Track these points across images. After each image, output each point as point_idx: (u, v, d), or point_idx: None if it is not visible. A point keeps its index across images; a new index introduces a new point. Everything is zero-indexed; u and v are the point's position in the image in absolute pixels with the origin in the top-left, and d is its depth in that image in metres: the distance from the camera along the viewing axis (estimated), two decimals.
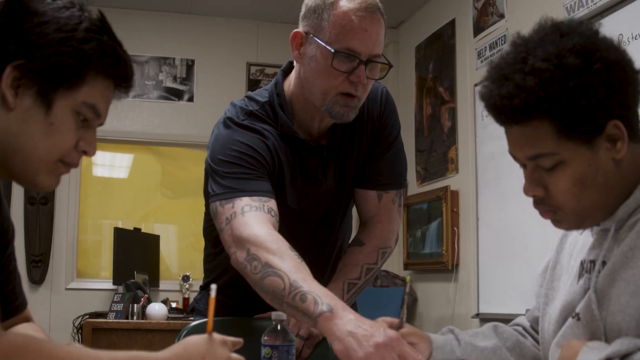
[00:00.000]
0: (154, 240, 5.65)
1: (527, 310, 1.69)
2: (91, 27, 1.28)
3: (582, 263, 1.42)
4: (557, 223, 1.39)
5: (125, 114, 5.69)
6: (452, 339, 1.59)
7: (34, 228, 5.42)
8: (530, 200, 1.39)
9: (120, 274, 5.07)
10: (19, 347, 1.14)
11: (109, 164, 5.98)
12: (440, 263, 4.98)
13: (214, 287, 1.27)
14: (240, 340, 1.32)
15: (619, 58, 1.30)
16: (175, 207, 5.95)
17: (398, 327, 1.53)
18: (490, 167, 4.37)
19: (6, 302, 1.45)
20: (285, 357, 1.51)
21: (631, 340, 1.22)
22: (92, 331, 4.45)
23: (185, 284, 5.48)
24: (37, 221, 5.43)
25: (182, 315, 4.87)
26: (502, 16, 4.48)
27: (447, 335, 1.61)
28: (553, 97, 1.25)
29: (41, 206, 5.45)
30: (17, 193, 5.40)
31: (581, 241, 1.48)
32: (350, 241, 2.12)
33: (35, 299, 5.23)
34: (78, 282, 5.57)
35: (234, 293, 1.85)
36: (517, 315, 1.70)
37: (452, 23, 5.09)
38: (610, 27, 3.61)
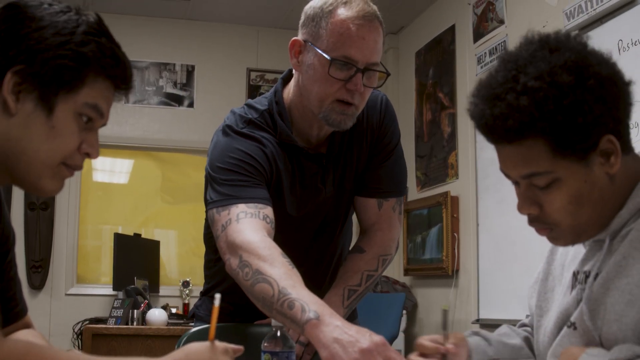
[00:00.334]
0: (154, 245, 5.65)
1: (527, 316, 1.69)
2: (89, 29, 1.29)
3: (574, 274, 1.42)
4: (554, 240, 1.38)
5: (125, 119, 5.70)
6: (480, 340, 1.58)
7: (34, 233, 5.42)
8: None
9: (120, 280, 5.06)
10: (20, 353, 1.14)
11: (109, 170, 5.99)
12: (440, 268, 4.98)
13: (217, 296, 1.27)
14: (241, 347, 1.32)
15: (610, 72, 1.29)
16: (175, 213, 5.95)
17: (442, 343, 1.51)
18: (490, 173, 4.37)
19: (6, 308, 1.45)
20: None
21: (630, 347, 1.22)
22: (92, 337, 4.45)
23: (185, 289, 5.48)
24: (37, 227, 5.43)
25: (182, 321, 4.86)
26: (501, 22, 4.48)
27: (473, 337, 1.59)
28: (548, 117, 1.24)
29: (41, 212, 5.45)
30: (18, 198, 5.40)
31: (572, 252, 1.48)
32: (350, 248, 2.12)
33: (35, 304, 5.22)
34: (78, 287, 5.57)
35: (234, 299, 1.85)
36: (517, 321, 1.70)
37: (452, 29, 5.10)
38: (610, 33, 3.63)
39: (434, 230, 5.13)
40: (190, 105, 5.88)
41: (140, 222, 5.87)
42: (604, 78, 1.27)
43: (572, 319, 1.37)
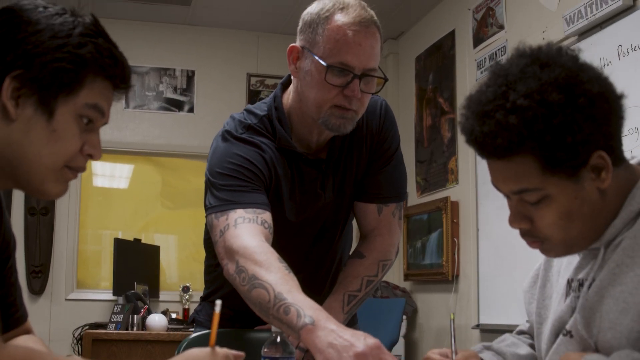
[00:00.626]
0: (154, 250, 5.65)
1: (527, 321, 1.69)
2: (85, 31, 1.28)
3: (569, 281, 1.42)
4: (545, 252, 1.38)
5: (125, 124, 5.70)
6: (492, 355, 1.58)
7: (34, 238, 5.42)
8: None
9: (120, 285, 5.06)
10: (20, 359, 1.14)
11: (109, 175, 5.99)
12: (440, 274, 4.97)
13: (218, 302, 1.27)
14: (242, 354, 1.32)
15: (602, 89, 1.27)
16: (175, 218, 5.95)
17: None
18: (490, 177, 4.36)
19: (7, 314, 1.45)
20: None
21: (629, 354, 1.22)
22: (92, 342, 4.44)
23: (185, 294, 5.48)
24: (37, 232, 5.43)
25: (182, 326, 4.86)
26: (501, 27, 4.49)
27: (486, 353, 1.59)
28: (537, 136, 1.23)
29: (41, 217, 5.45)
30: (18, 203, 5.40)
31: (567, 258, 1.48)
32: (350, 253, 2.12)
33: (35, 309, 5.22)
34: (78, 292, 5.56)
35: (234, 304, 1.85)
36: (517, 326, 1.70)
37: (452, 34, 5.11)
38: (609, 39, 3.64)
39: (434, 236, 5.13)
40: (191, 110, 5.88)
41: (140, 227, 5.87)
42: (595, 95, 1.25)
43: (568, 327, 1.37)
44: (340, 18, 1.78)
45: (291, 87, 1.95)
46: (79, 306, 5.46)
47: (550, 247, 1.36)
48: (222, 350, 1.28)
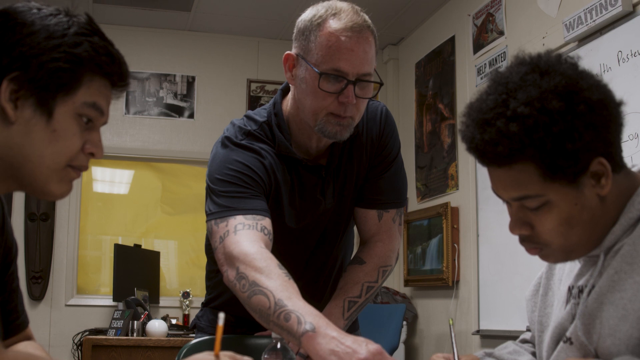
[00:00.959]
0: (154, 256, 5.65)
1: (527, 329, 1.69)
2: (80, 30, 1.28)
3: (569, 289, 1.43)
4: (544, 258, 1.39)
5: (125, 130, 5.70)
6: None
7: (34, 244, 5.42)
8: None
9: (120, 291, 5.06)
10: None
11: (109, 180, 5.99)
12: (440, 279, 4.97)
13: (222, 315, 1.26)
14: (249, 359, 1.31)
15: (601, 97, 1.27)
16: (175, 224, 5.95)
17: None
18: (490, 184, 4.37)
19: (8, 320, 1.45)
20: None
21: (630, 359, 1.22)
22: (92, 348, 4.44)
23: (185, 300, 5.48)
24: (37, 237, 5.43)
25: (182, 332, 4.86)
26: (501, 33, 4.50)
27: (487, 359, 1.59)
28: (538, 143, 1.23)
29: (41, 222, 5.45)
30: (18, 209, 5.40)
31: (568, 266, 1.48)
32: (350, 259, 2.12)
33: (35, 315, 5.22)
34: (78, 298, 5.56)
35: (236, 310, 1.85)
36: (517, 332, 1.70)
37: (451, 40, 5.11)
38: (609, 45, 3.63)
39: (434, 241, 5.12)
40: (191, 116, 5.88)
41: (141, 233, 5.87)
42: (595, 102, 1.25)
43: (568, 334, 1.37)
44: (332, 24, 1.78)
45: (290, 94, 1.95)
46: (79, 312, 5.46)
47: (550, 253, 1.36)
48: (227, 353, 1.28)
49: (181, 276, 5.89)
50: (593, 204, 1.30)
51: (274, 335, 1.54)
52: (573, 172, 1.26)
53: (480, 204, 4.59)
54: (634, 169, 1.40)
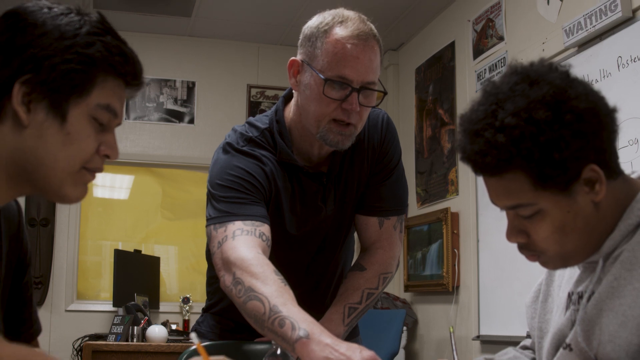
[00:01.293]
0: (154, 261, 5.64)
1: (527, 336, 1.69)
2: (93, 29, 1.25)
3: (569, 295, 1.43)
4: (543, 264, 1.39)
5: (125, 135, 5.70)
6: None
7: (34, 249, 5.41)
8: None
9: (120, 296, 5.06)
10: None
11: (109, 186, 5.99)
12: (440, 285, 4.97)
13: (193, 335, 1.24)
14: None
15: (590, 105, 1.27)
16: (175, 229, 5.95)
17: None
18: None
19: (22, 329, 1.45)
20: None
21: None
22: (92, 353, 4.44)
23: (185, 305, 5.47)
24: (38, 243, 5.43)
25: (182, 338, 4.85)
26: (501, 39, 4.50)
27: None
28: (525, 153, 1.24)
29: (41, 228, 5.45)
30: None
31: (568, 272, 1.49)
32: (351, 265, 2.12)
33: None
34: (78, 303, 5.55)
35: (236, 316, 1.85)
36: (517, 337, 1.70)
37: (451, 45, 5.12)
38: (609, 50, 3.64)
39: (434, 247, 5.12)
40: (191, 121, 5.89)
41: (141, 238, 5.87)
42: (583, 111, 1.25)
43: (568, 340, 1.37)
44: (339, 32, 1.79)
45: (293, 101, 1.96)
46: (79, 317, 5.45)
47: (547, 260, 1.37)
48: (219, 357, 1.27)
49: (181, 282, 5.88)
50: (587, 211, 1.30)
51: (273, 340, 1.54)
52: (563, 180, 1.26)
53: (480, 209, 4.59)
54: (633, 176, 1.40)
